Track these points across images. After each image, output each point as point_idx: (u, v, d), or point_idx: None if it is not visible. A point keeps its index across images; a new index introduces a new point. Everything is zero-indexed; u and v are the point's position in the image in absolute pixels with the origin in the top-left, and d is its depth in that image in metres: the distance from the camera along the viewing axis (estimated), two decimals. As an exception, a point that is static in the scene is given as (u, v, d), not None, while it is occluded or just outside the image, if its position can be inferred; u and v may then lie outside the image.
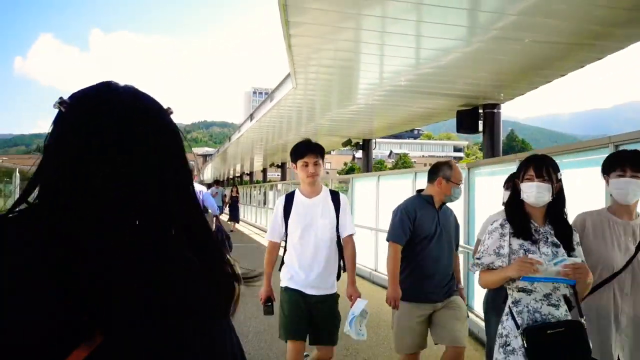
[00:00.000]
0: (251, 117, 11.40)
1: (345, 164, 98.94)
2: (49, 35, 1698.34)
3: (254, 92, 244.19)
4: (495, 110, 8.03)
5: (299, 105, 10.78)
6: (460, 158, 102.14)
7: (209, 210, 9.18)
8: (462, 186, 4.13)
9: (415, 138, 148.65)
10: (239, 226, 22.55)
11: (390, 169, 67.89)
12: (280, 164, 24.38)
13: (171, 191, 0.78)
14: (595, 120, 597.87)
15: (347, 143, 13.44)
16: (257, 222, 25.20)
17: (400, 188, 9.46)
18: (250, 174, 34.13)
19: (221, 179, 43.90)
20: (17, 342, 0.62)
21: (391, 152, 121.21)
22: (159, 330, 0.70)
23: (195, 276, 0.77)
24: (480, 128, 8.12)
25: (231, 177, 45.20)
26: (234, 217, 21.46)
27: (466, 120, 8.18)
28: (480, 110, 8.19)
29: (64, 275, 0.66)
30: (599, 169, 3.13)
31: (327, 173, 73.33)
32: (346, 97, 9.81)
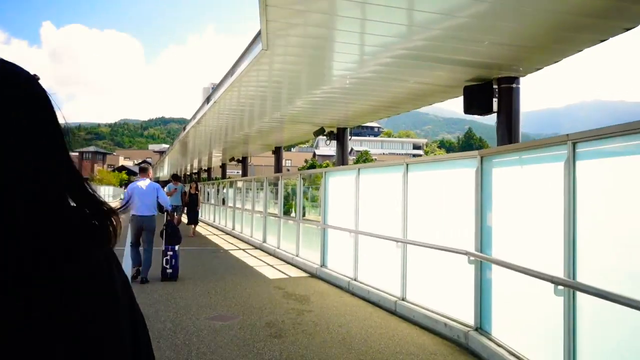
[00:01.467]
0: (208, 99, 9.70)
1: (306, 161, 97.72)
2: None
3: (213, 88, 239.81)
4: (514, 85, 6.63)
5: (263, 88, 9.24)
6: (419, 155, 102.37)
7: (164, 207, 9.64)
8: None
9: (375, 135, 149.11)
10: (200, 228, 19.94)
11: (353, 166, 66.61)
12: (241, 159, 22.56)
13: (44, 154, 0.79)
14: (548, 119, 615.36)
15: (320, 132, 11.90)
16: (217, 222, 23.42)
17: (387, 183, 8.05)
18: (209, 170, 32.11)
19: (180, 175, 41.55)
20: None
21: (352, 149, 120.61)
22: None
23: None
24: (495, 107, 6.72)
25: (189, 173, 42.93)
26: (192, 218, 18.67)
27: (477, 98, 6.76)
28: (495, 86, 6.77)
29: None
30: (556, 164, 3.68)
31: (288, 170, 71.71)
32: (318, 76, 8.37)
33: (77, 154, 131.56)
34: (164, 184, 19.64)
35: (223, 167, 27.48)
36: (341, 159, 11.77)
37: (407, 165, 7.43)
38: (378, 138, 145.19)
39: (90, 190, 0.85)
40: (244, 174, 22.10)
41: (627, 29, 5.42)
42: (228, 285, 9.07)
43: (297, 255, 11.92)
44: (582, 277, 4.04)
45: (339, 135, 11.82)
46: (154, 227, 9.46)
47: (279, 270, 10.98)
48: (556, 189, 4.32)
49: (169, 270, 9.47)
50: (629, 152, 3.78)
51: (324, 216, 10.53)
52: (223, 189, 22.56)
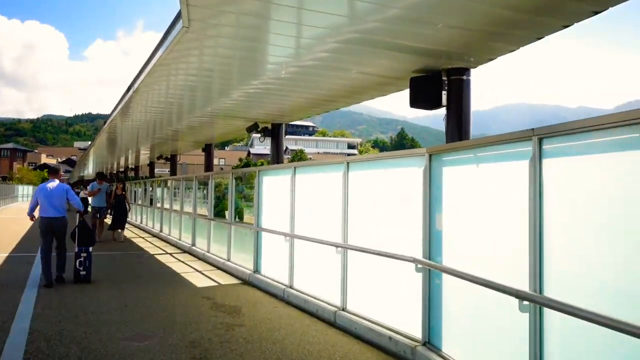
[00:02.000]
0: (129, 88, 8.70)
1: (241, 160, 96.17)
2: None
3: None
4: (465, 77, 6.16)
5: (193, 77, 8.41)
6: (353, 155, 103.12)
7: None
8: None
9: (310, 135, 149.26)
10: (126, 231, 17.11)
11: (288, 165, 65.99)
12: (169, 157, 21.32)
13: None
14: (475, 120, 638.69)
15: (253, 128, 11.11)
16: (144, 224, 22.07)
17: (326, 183, 7.44)
18: (136, 169, 30.44)
19: (106, 174, 39.22)
20: None
21: (287, 148, 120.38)
22: None
23: None
24: (444, 101, 6.22)
25: (115, 172, 40.76)
26: (117, 221, 16.20)
27: (424, 91, 6.25)
28: (444, 78, 6.27)
29: None
30: (520, 162, 3.64)
31: (222, 169, 70.06)
32: (252, 67, 7.68)
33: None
34: (88, 183, 18.02)
35: (151, 165, 26.05)
36: (276, 157, 11.05)
37: (348, 164, 6.83)
38: (313, 137, 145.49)
39: None
40: (173, 172, 20.92)
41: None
42: (150, 296, 8.16)
43: (228, 260, 11.11)
44: (549, 291, 3.56)
45: (273, 132, 11.08)
46: (65, 229, 9.18)
47: (208, 277, 10.13)
48: (519, 189, 3.85)
49: (83, 272, 9.21)
50: (595, 150, 3.33)
51: (257, 218, 9.79)
52: (150, 188, 21.26)
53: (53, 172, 9.57)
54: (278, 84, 8.43)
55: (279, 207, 9.05)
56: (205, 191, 14.00)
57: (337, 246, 6.81)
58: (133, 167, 30.90)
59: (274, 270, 9.04)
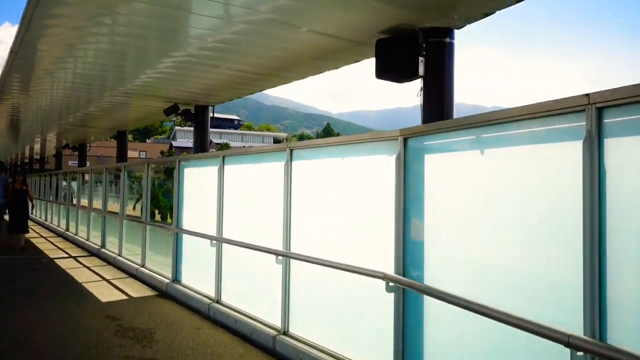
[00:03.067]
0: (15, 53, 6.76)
1: (162, 152, 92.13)
2: None
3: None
4: (447, 40, 4.92)
5: (103, 53, 6.78)
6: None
7: None
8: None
9: (235, 128, 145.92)
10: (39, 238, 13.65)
11: (213, 158, 63.68)
12: (78, 146, 18.95)
13: None
14: (397, 117, 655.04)
15: (173, 110, 9.44)
16: (49, 222, 19.60)
17: (263, 176, 6.09)
18: (42, 160, 27.43)
19: (6, 165, 35.33)
20: None
21: (211, 141, 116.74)
22: None
23: None
24: (421, 70, 4.93)
25: (19, 163, 37.00)
26: (15, 223, 12.86)
27: (396, 57, 4.93)
28: (421, 40, 4.99)
29: None
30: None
31: (142, 162, 66.37)
32: (170, 39, 6.18)
33: None
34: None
35: (57, 156, 23.36)
36: (200, 145, 9.48)
37: (292, 151, 5.48)
38: (238, 131, 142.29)
39: None
40: (82, 163, 18.63)
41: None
42: (38, 316, 6.44)
43: (142, 266, 9.45)
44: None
45: (197, 116, 9.47)
46: None
47: (117, 288, 8.46)
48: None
49: None
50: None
51: (177, 217, 8.23)
52: (55, 182, 18.83)
53: None
54: (204, 55, 6.92)
55: (203, 204, 7.57)
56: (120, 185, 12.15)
57: (277, 254, 5.46)
58: (38, 157, 27.88)
59: (197, 280, 7.55)
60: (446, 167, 3.75)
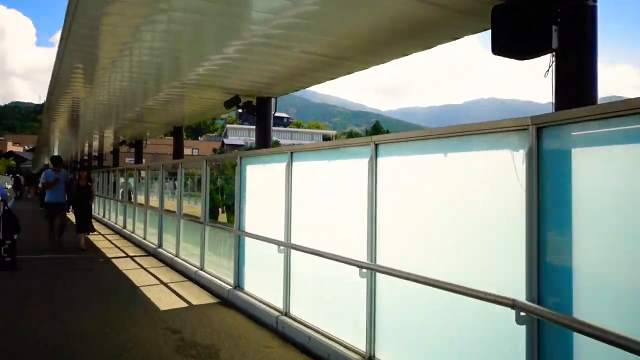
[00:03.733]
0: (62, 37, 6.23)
1: (215, 150, 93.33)
2: None
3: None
4: (589, 2, 3.98)
5: (158, 45, 6.19)
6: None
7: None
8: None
9: (285, 126, 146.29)
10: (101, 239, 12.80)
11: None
12: (134, 142, 18.78)
13: None
14: (447, 114, 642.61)
15: (233, 103, 8.79)
16: (106, 218, 19.57)
17: (342, 175, 5.33)
18: (100, 157, 27.71)
19: (64, 160, 35.89)
20: None
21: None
22: None
23: None
24: (555, 43, 3.99)
25: (79, 160, 37.78)
26: (81, 222, 12.24)
27: (519, 27, 3.99)
28: (555, 5, 4.02)
29: None
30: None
31: (195, 159, 67.33)
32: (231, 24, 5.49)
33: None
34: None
35: (115, 153, 23.41)
36: (262, 140, 8.80)
37: (377, 145, 4.68)
38: (287, 129, 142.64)
39: None
40: (138, 160, 18.44)
41: None
42: (93, 325, 5.91)
43: (201, 269, 8.89)
44: None
45: (259, 108, 8.81)
46: None
47: (176, 293, 7.91)
48: None
49: (8, 259, 9.45)
50: None
51: (239, 219, 7.58)
52: (113, 178, 18.73)
53: None
54: (274, 35, 6.15)
55: (268, 205, 6.89)
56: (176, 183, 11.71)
57: (361, 266, 4.67)
58: (97, 154, 28.19)
59: (262, 288, 6.89)
60: (603, 165, 2.87)
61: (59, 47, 6.53)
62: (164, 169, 12.09)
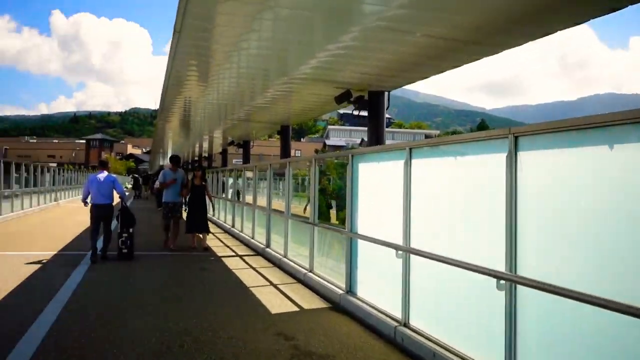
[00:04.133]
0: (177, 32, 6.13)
1: (317, 151, 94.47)
2: (6, 17, 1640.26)
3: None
4: None
5: (265, 39, 5.90)
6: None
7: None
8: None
9: (387, 126, 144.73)
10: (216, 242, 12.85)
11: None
12: (242, 143, 19.11)
13: None
14: (560, 111, 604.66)
15: (344, 98, 8.42)
16: (215, 217, 20.10)
17: (468, 171, 4.73)
18: (209, 157, 28.74)
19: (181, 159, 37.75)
20: None
21: (362, 140, 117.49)
22: None
23: None
24: None
25: (190, 161, 39.59)
26: (194, 222, 12.23)
27: None
28: None
29: None
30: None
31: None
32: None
33: (84, 141, 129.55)
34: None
35: (223, 153, 24.08)
36: (375, 137, 8.32)
37: (517, 138, 4.04)
38: (389, 129, 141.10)
39: None
40: (246, 160, 18.71)
41: None
42: (200, 325, 5.75)
43: (311, 271, 8.61)
44: None
45: (372, 102, 8.34)
46: (111, 213, 10.48)
47: (285, 296, 7.66)
48: None
49: (125, 250, 10.38)
50: None
51: (351, 221, 7.17)
52: (222, 178, 19.19)
53: (102, 164, 10.87)
54: (395, 17, 5.61)
55: (384, 206, 6.42)
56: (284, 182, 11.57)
57: (499, 277, 4.05)
58: (206, 155, 29.25)
59: (376, 294, 6.42)
60: None
61: (172, 42, 6.50)
62: (272, 169, 12.02)
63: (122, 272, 9.06)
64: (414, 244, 5.53)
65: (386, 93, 8.34)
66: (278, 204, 12.63)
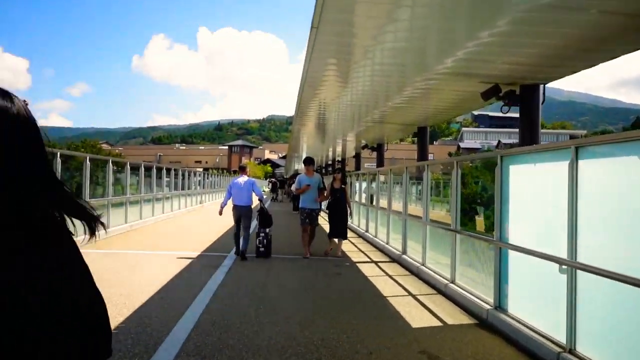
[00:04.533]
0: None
1: (450, 154, 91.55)
2: (161, 36, 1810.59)
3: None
4: None
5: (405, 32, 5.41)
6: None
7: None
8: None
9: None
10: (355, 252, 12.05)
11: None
12: (376, 146, 18.76)
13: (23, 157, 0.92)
14: None
15: (492, 94, 7.63)
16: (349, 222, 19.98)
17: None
18: (342, 161, 28.82)
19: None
20: None
21: (499, 142, 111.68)
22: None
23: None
24: None
25: (324, 165, 40.22)
26: (335, 227, 11.86)
27: None
28: None
29: None
30: None
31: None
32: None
33: (226, 147, 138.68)
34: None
35: (357, 157, 23.93)
36: (528, 135, 7.44)
37: None
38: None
39: (73, 200, 1.00)
40: (380, 164, 18.34)
41: None
42: (341, 342, 5.42)
43: (452, 282, 7.97)
44: None
45: (523, 98, 7.47)
46: (250, 214, 11.16)
47: (426, 308, 7.12)
48: None
49: (262, 249, 10.99)
50: None
51: (500, 228, 6.45)
52: (356, 182, 19.01)
53: (242, 169, 11.60)
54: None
55: (542, 214, 5.65)
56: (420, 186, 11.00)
57: None
58: (339, 159, 29.39)
59: (533, 313, 5.66)
60: None
61: (309, 39, 6.29)
62: (408, 172, 11.50)
63: (258, 276, 9.11)
64: (581, 258, 4.74)
65: (541, 86, 7.42)
66: (412, 208, 12.10)
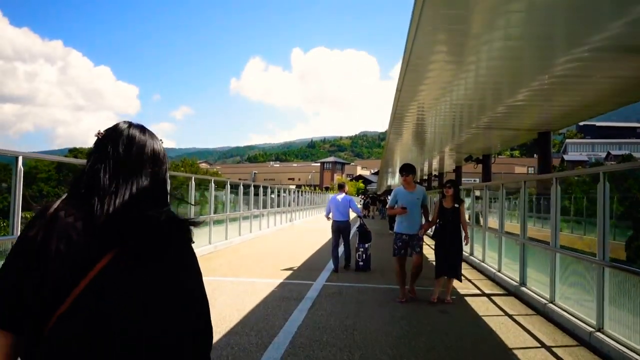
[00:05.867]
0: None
1: (554, 167, 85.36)
2: (257, 58, 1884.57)
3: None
4: None
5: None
6: None
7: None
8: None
9: (638, 137, 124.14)
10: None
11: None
12: (481, 157, 16.67)
13: (158, 185, 1.59)
14: None
15: None
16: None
17: None
18: (440, 175, 26.74)
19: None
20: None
21: (609, 153, 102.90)
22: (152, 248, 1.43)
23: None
24: None
25: (419, 181, 38.13)
26: (448, 261, 8.41)
27: None
28: None
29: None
30: None
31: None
32: None
33: (318, 164, 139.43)
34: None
35: (457, 170, 21.83)
36: None
37: None
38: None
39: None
40: (486, 177, 16.23)
41: None
42: None
43: (599, 330, 6.04)
44: None
45: None
46: (349, 229, 11.84)
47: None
48: None
49: (361, 263, 11.47)
50: None
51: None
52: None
53: (340, 187, 12.34)
54: None
55: None
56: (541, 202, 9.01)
57: None
58: (436, 174, 27.36)
59: None
60: None
61: (409, 32, 4.85)
62: (526, 187, 9.55)
63: (346, 309, 7.63)
64: None
65: None
66: (511, 226, 10.22)
